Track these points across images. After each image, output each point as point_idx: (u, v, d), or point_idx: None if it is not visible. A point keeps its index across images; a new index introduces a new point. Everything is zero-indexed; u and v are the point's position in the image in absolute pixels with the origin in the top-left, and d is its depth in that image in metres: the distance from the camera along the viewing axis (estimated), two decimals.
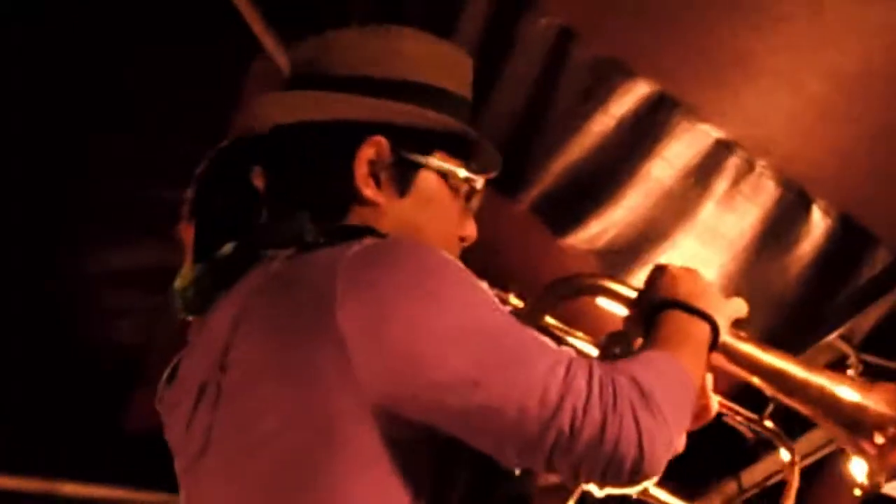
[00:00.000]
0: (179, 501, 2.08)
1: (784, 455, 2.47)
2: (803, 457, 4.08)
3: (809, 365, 2.29)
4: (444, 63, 2.19)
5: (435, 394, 1.80)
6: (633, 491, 1.89)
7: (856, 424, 2.23)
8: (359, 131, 2.08)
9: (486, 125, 3.87)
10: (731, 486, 5.14)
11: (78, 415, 5.20)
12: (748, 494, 5.07)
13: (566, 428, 1.77)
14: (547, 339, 1.90)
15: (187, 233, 2.12)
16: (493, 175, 2.22)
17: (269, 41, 4.01)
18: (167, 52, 4.07)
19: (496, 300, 1.91)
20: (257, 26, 4.01)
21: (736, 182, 3.93)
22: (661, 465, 1.86)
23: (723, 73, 3.68)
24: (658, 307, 2.13)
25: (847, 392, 2.25)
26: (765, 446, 2.52)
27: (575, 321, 2.40)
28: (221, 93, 3.94)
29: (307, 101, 2.13)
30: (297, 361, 1.84)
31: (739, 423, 2.45)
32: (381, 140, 2.08)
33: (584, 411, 1.78)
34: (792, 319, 4.06)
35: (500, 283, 2.16)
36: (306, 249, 1.96)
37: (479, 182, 2.18)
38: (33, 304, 4.89)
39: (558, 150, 3.97)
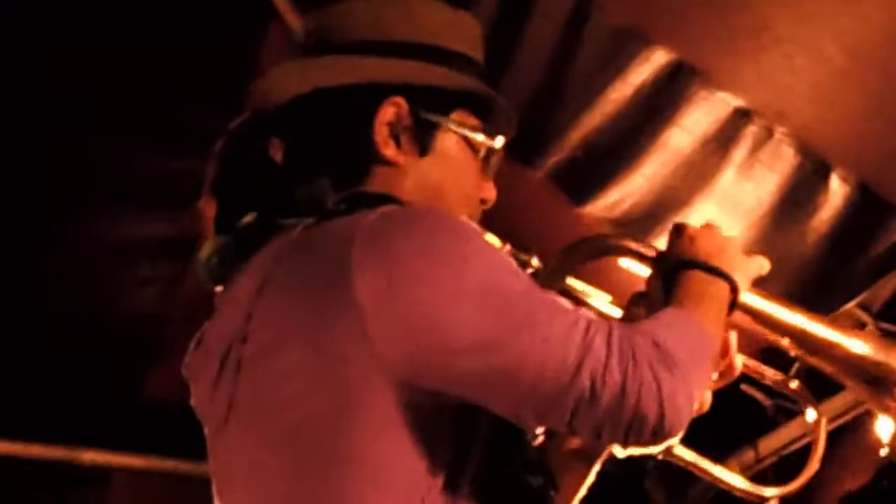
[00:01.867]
0: (199, 469, 2.09)
1: (810, 415, 2.47)
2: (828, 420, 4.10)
3: (832, 323, 2.28)
4: (457, 28, 2.19)
5: (452, 358, 1.80)
6: (656, 450, 1.89)
7: (879, 381, 2.23)
8: (376, 93, 2.09)
9: (504, 93, 3.86)
10: (748, 455, 5.15)
11: (98, 384, 5.22)
12: (766, 463, 5.08)
13: (586, 390, 1.78)
14: (565, 301, 1.90)
15: (209, 208, 2.13)
16: (510, 135, 2.21)
17: (284, 6, 4.00)
18: (182, 16, 4.07)
19: (514, 263, 1.91)
20: (284, 8, 4.01)
21: (754, 150, 3.92)
22: (684, 423, 1.86)
23: (741, 41, 3.67)
24: (677, 268, 2.12)
25: (869, 350, 2.25)
26: (783, 414, 2.52)
27: (596, 282, 2.40)
28: (237, 58, 3.93)
29: (322, 68, 2.12)
30: (316, 330, 1.85)
31: (765, 382, 2.44)
32: (400, 101, 2.08)
33: (604, 372, 1.78)
34: (810, 287, 4.06)
35: (523, 245, 2.15)
36: (326, 217, 1.97)
37: (498, 142, 2.18)
38: (53, 275, 4.90)
39: (577, 118, 3.97)
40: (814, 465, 2.43)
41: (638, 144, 4.01)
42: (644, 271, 2.25)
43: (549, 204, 4.22)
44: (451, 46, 2.15)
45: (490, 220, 2.21)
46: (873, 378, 2.23)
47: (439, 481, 1.85)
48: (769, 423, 4.90)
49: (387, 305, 1.80)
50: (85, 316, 5.04)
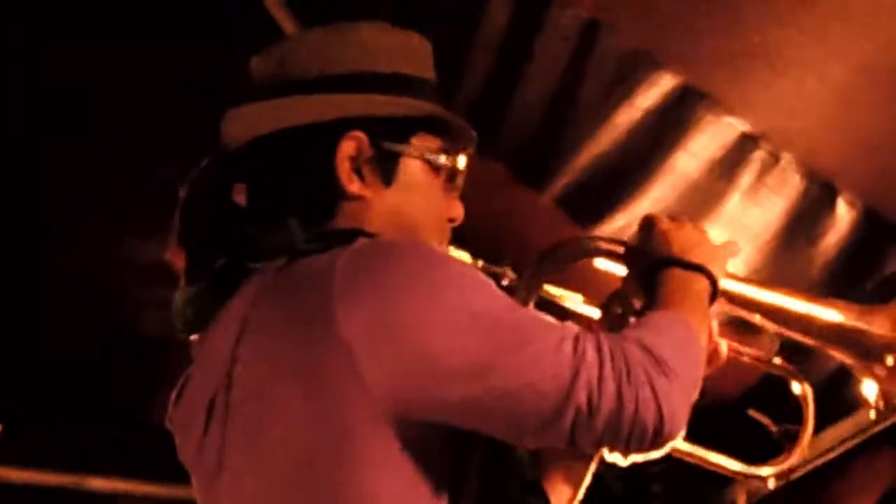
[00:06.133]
0: None
1: (796, 388, 2.47)
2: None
3: (808, 296, 2.29)
4: (403, 49, 2.17)
5: (447, 386, 1.79)
6: (658, 454, 1.89)
7: (862, 349, 2.23)
8: (334, 129, 2.07)
9: (512, 116, 3.89)
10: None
11: (104, 410, 5.22)
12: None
13: (584, 403, 1.77)
14: (549, 317, 1.90)
15: (178, 259, 2.12)
16: (471, 148, 2.20)
17: (288, 25, 4.02)
18: (182, 17, 4.08)
19: (493, 285, 1.90)
20: (277, 11, 4.02)
21: (761, 175, 3.93)
22: (683, 425, 1.87)
23: (748, 65, 3.68)
24: (655, 266, 2.12)
25: (849, 319, 2.24)
26: (789, 439, 2.51)
27: (573, 286, 2.40)
28: (237, 59, 3.95)
29: (278, 109, 2.12)
30: (303, 369, 1.84)
31: (749, 361, 2.44)
32: (359, 134, 2.07)
33: (599, 385, 1.78)
34: None
35: (494, 257, 2.14)
36: (298, 257, 1.96)
37: (461, 162, 2.16)
38: (58, 299, 4.90)
39: (584, 142, 3.98)
40: (805, 437, 2.44)
41: (645, 168, 4.01)
42: (619, 269, 2.25)
43: (556, 228, 4.22)
44: (403, 71, 2.14)
45: (497, 244, 2.20)
46: (856, 346, 2.23)
47: None
48: (775, 447, 4.89)
49: (374, 341, 1.79)
50: (90, 340, 5.04)
